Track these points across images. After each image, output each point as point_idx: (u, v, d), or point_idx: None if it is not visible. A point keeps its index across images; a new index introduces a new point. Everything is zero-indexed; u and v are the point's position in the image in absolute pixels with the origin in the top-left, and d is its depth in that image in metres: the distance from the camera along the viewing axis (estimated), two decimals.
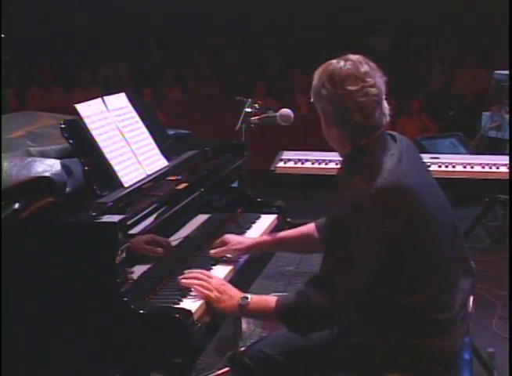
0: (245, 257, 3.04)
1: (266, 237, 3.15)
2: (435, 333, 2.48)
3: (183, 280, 2.61)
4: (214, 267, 2.87)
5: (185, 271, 2.69)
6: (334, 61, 2.48)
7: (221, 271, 2.84)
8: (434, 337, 2.48)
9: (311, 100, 2.56)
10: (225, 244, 2.98)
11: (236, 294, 2.57)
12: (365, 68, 2.45)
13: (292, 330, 2.55)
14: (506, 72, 6.12)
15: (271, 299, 2.54)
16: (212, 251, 2.96)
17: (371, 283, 2.40)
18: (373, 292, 2.42)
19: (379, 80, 2.46)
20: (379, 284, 2.41)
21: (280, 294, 4.52)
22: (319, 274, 2.47)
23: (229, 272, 2.85)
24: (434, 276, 2.46)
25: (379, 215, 2.35)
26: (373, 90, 2.42)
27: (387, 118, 2.50)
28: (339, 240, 2.40)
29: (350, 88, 2.40)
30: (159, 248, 2.72)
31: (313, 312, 2.41)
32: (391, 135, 2.57)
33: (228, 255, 2.98)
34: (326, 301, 2.38)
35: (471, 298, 2.71)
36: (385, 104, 2.49)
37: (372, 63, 2.49)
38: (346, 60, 2.46)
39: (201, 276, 2.61)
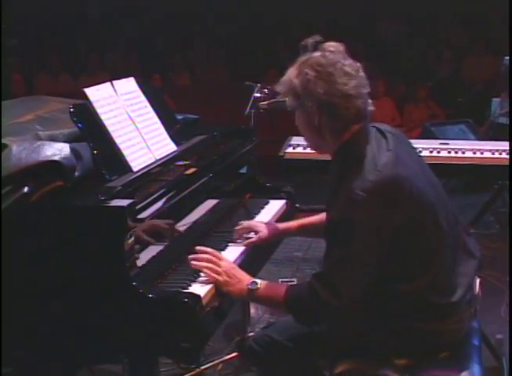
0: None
1: (293, 223, 3.14)
2: (439, 317, 2.48)
3: (193, 262, 2.60)
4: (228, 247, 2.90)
5: (196, 247, 2.67)
6: (318, 54, 2.45)
7: (231, 253, 2.85)
8: (439, 320, 2.48)
9: (288, 99, 2.52)
10: (250, 230, 3.01)
11: (245, 278, 2.57)
12: (345, 54, 2.47)
13: (298, 320, 2.55)
14: None
15: (280, 287, 2.54)
16: (246, 242, 2.96)
17: (374, 275, 2.40)
18: (374, 281, 2.42)
19: (359, 65, 2.48)
20: (379, 273, 2.41)
21: (288, 280, 4.57)
22: (323, 271, 2.47)
23: (239, 256, 2.86)
24: (433, 262, 2.46)
25: (377, 207, 2.34)
26: (362, 74, 2.45)
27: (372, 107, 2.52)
28: (339, 236, 2.40)
29: (348, 75, 2.41)
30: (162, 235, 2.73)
31: (321, 307, 2.41)
32: (376, 127, 2.57)
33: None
34: (333, 297, 2.37)
35: (477, 281, 2.70)
36: None
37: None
38: (329, 51, 2.45)
39: (211, 258, 2.60)
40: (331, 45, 2.48)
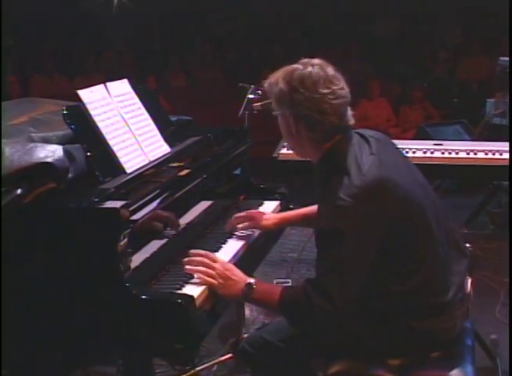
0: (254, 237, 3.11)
1: (291, 213, 3.22)
2: (432, 315, 2.49)
3: (187, 267, 2.59)
4: (221, 249, 2.92)
5: (190, 251, 2.67)
6: (299, 66, 2.51)
7: (225, 255, 2.85)
8: (432, 319, 2.49)
9: (272, 106, 2.57)
10: (249, 219, 3.06)
11: (241, 278, 2.54)
12: (331, 71, 2.50)
13: (292, 324, 2.56)
14: None
15: (275, 290, 2.53)
16: (239, 226, 3.06)
17: (366, 278, 2.41)
18: (367, 284, 2.42)
19: (344, 82, 2.51)
20: (371, 276, 2.42)
21: (283, 281, 4.58)
22: (316, 278, 2.47)
23: (233, 257, 2.87)
24: (424, 262, 2.47)
25: (364, 212, 2.36)
26: (343, 92, 2.48)
27: (353, 121, 2.55)
28: (330, 243, 2.40)
29: (324, 91, 2.44)
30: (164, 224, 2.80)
31: (315, 312, 2.41)
32: (358, 133, 2.59)
33: (246, 232, 3.08)
34: (326, 303, 2.38)
35: (469, 280, 2.71)
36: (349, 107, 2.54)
37: (333, 67, 2.54)
38: (312, 65, 2.49)
39: (205, 261, 2.58)
40: (318, 62, 2.51)
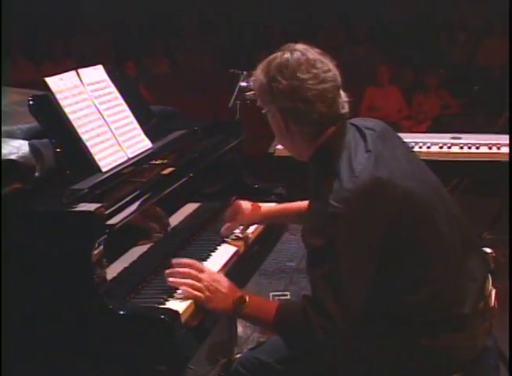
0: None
1: (278, 206, 3.31)
2: (450, 331, 2.49)
3: (170, 279, 2.59)
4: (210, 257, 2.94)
5: (173, 260, 2.67)
6: (278, 54, 2.52)
7: (214, 265, 2.86)
8: (450, 336, 2.49)
9: (258, 104, 2.60)
10: (236, 213, 3.12)
11: (231, 291, 2.55)
12: (314, 55, 2.51)
13: (289, 345, 2.57)
14: None
15: (270, 305, 2.54)
16: (223, 230, 3.11)
17: (369, 292, 2.41)
18: (370, 297, 2.42)
19: (332, 65, 2.52)
20: (376, 287, 2.42)
21: (280, 293, 4.57)
22: (313, 295, 2.46)
23: (223, 267, 2.89)
24: (433, 270, 2.47)
25: (358, 218, 2.36)
26: (329, 75, 2.48)
27: (347, 109, 2.54)
28: (323, 254, 2.40)
29: (304, 76, 2.45)
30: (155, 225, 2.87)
31: (315, 334, 2.40)
32: (355, 126, 2.59)
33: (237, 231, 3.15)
34: (327, 323, 2.38)
35: (493, 292, 2.71)
36: (342, 93, 2.54)
37: (319, 50, 2.54)
38: (292, 50, 2.51)
39: (190, 271, 2.58)
40: (301, 46, 2.52)
